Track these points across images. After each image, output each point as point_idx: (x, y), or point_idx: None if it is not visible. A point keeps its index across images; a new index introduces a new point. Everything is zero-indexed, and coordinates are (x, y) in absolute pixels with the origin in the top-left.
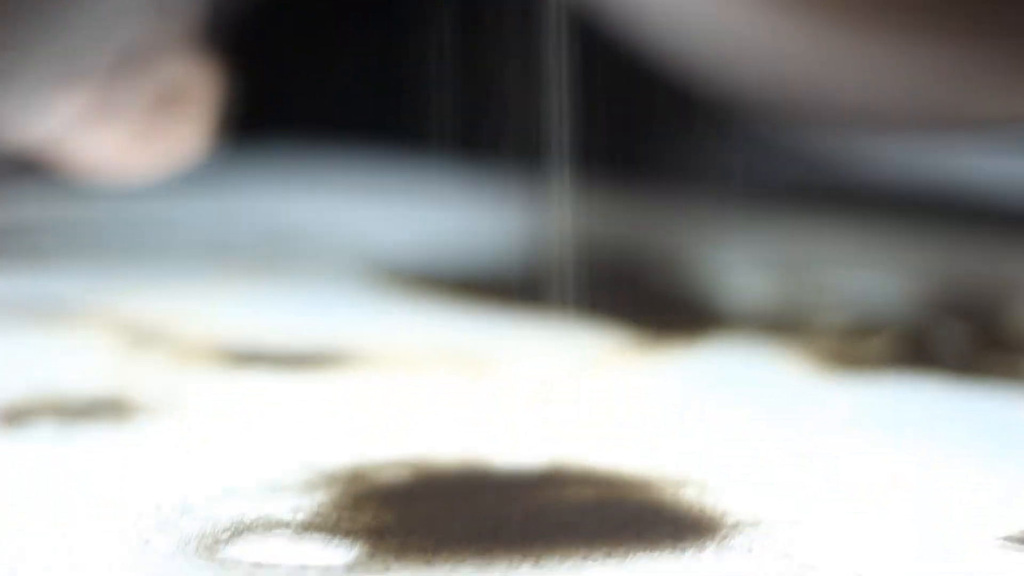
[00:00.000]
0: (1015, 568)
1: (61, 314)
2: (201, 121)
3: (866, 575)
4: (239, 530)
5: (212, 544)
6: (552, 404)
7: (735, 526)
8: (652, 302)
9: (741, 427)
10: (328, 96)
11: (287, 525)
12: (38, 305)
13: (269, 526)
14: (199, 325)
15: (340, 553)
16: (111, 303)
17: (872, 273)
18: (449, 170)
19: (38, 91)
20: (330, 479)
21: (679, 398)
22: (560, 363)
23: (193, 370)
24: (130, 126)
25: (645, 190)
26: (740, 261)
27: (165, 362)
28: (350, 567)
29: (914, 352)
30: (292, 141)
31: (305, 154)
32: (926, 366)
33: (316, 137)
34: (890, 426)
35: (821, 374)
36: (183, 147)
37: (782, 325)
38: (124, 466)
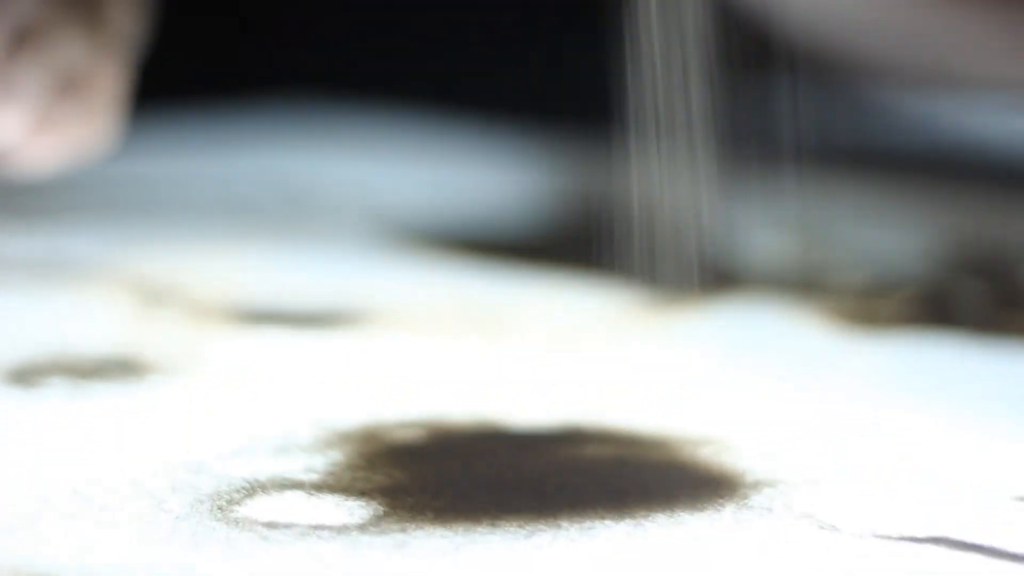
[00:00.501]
0: None
1: (75, 274)
2: (107, 106)
3: (885, 534)
4: (253, 490)
5: (226, 504)
6: (569, 363)
7: (754, 485)
8: (672, 262)
9: (760, 386)
10: (350, 56)
11: (301, 485)
12: (52, 265)
13: (283, 486)
14: (213, 284)
15: (354, 513)
16: (125, 262)
17: (892, 232)
18: (467, 130)
19: None
20: (344, 438)
21: (698, 357)
22: (578, 323)
23: (207, 329)
24: (30, 110)
25: (663, 148)
26: (760, 221)
27: (179, 321)
28: (364, 526)
29: (933, 311)
30: (310, 101)
31: (323, 114)
32: (945, 325)
33: (334, 97)
34: (909, 385)
35: (840, 333)
36: (89, 134)
37: (802, 284)
38: (137, 425)
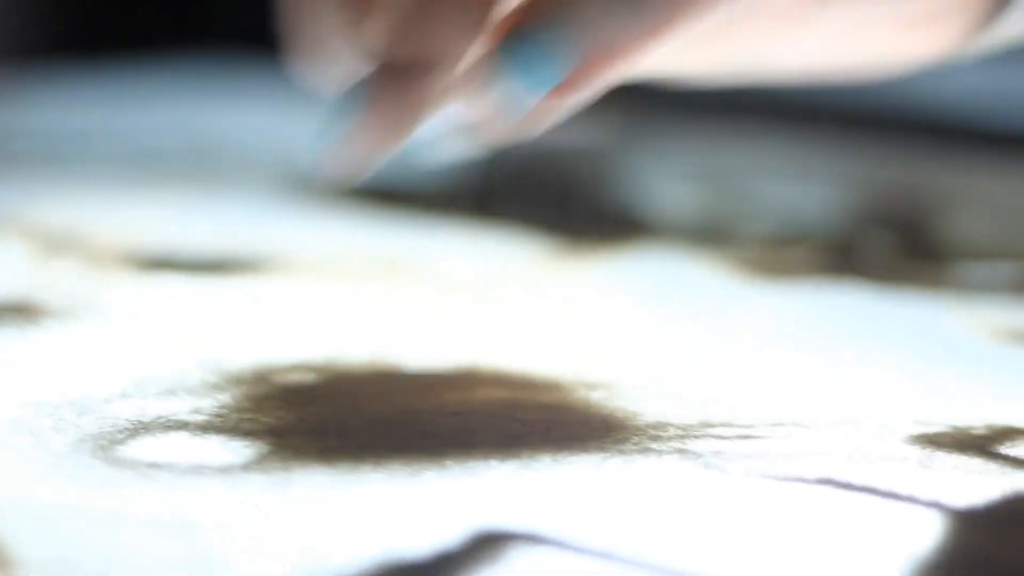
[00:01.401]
0: (920, 468)
1: None
2: None
3: (771, 476)
4: (137, 430)
5: (108, 443)
6: (471, 310)
7: (644, 428)
8: (577, 210)
9: (660, 332)
10: (260, 8)
11: (186, 426)
12: None
13: (168, 427)
14: (115, 232)
15: (238, 452)
16: (27, 212)
17: (800, 183)
18: None
19: None
20: (234, 380)
21: (600, 304)
22: (483, 271)
23: (105, 276)
24: None
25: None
26: (666, 171)
27: (78, 268)
28: (247, 466)
29: (839, 260)
30: (220, 54)
31: (232, 66)
32: (850, 274)
33: (244, 50)
34: (810, 331)
35: (746, 282)
36: None
37: (707, 234)
38: (28, 367)
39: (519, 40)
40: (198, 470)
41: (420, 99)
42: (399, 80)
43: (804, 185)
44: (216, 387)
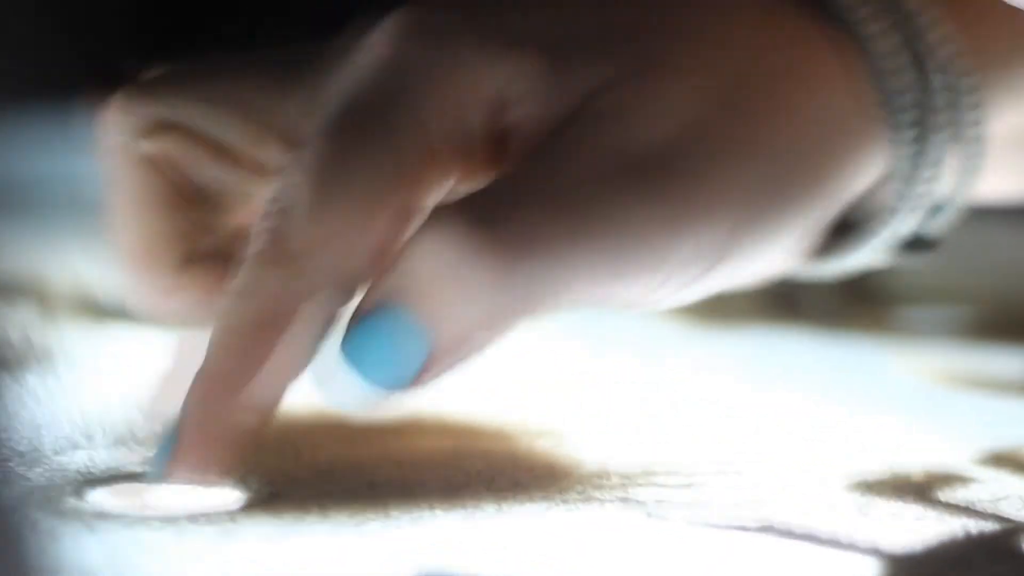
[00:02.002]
0: (859, 515)
1: None
2: None
3: (713, 525)
4: (85, 481)
5: (55, 495)
6: None
7: (587, 477)
8: None
9: (604, 377)
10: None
11: (134, 477)
12: None
13: (116, 477)
14: (63, 280)
15: (184, 503)
16: None
17: None
18: None
19: None
20: None
21: (543, 351)
22: None
23: (57, 324)
24: None
25: None
26: None
27: (27, 316)
28: (193, 516)
29: (781, 305)
30: None
31: None
32: (793, 319)
33: None
34: (754, 376)
35: (687, 327)
36: None
37: None
38: None
39: (356, 339)
40: (144, 521)
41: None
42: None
43: None
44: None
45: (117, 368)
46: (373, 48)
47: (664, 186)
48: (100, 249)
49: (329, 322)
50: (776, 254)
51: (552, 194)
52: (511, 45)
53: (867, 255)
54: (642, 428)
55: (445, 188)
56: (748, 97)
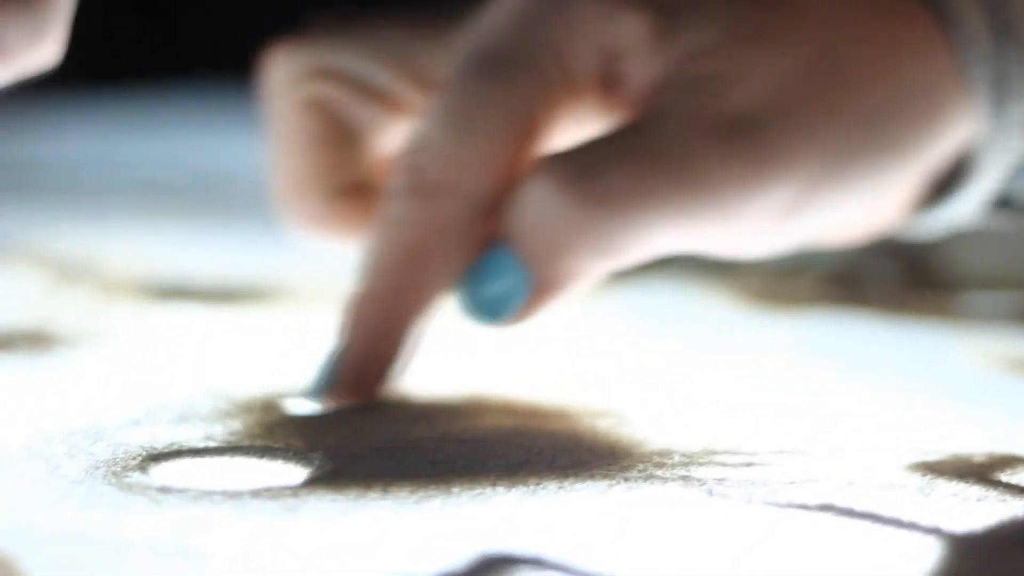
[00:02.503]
0: (920, 496)
1: None
2: (57, 18)
3: (773, 503)
4: (149, 457)
5: (120, 470)
6: (479, 337)
7: (649, 456)
8: None
9: (666, 360)
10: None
11: (198, 452)
12: None
13: (179, 453)
14: (126, 262)
15: (248, 479)
16: (40, 241)
17: None
18: None
19: None
20: (244, 408)
21: (606, 333)
22: None
23: (117, 304)
24: None
25: None
26: None
27: (90, 297)
28: (256, 492)
29: (843, 290)
30: (225, 85)
31: (235, 97)
32: (855, 304)
33: (248, 80)
34: (814, 360)
35: (751, 311)
36: (38, 50)
37: (713, 264)
38: (40, 394)
39: (472, 274)
40: (208, 496)
41: (393, 349)
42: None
43: None
44: (227, 414)
45: (178, 346)
46: (503, 3)
47: (745, 147)
48: (159, 229)
49: (468, 246)
50: (862, 212)
51: (646, 153)
52: (625, 4)
53: (960, 213)
54: (704, 408)
55: (561, 127)
56: (834, 66)
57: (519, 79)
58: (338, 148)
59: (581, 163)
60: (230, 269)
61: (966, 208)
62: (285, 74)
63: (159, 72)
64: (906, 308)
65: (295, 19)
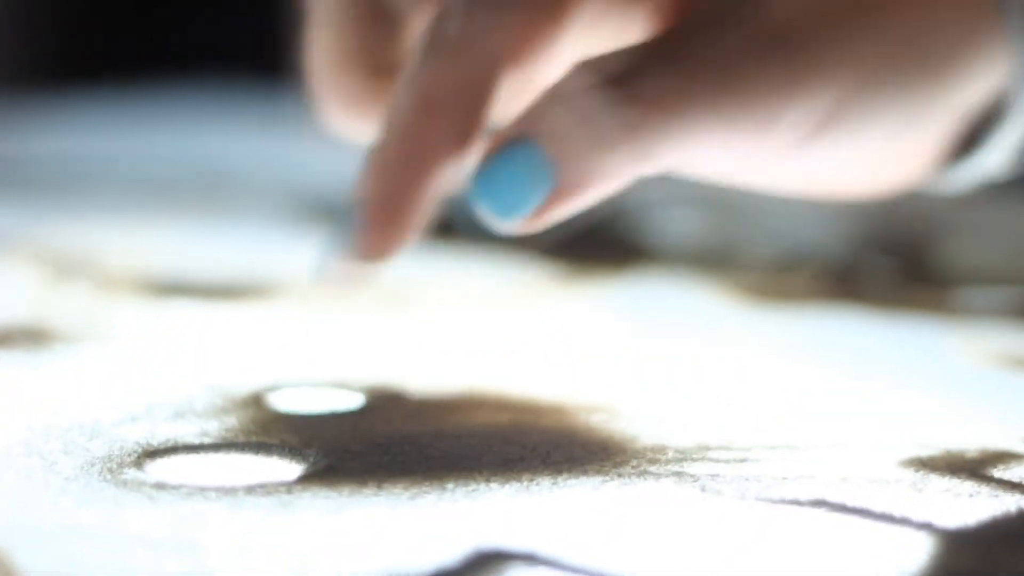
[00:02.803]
0: (913, 491)
1: None
2: None
3: (766, 499)
4: (145, 453)
5: (116, 466)
6: (473, 333)
7: (642, 452)
8: (579, 235)
9: (660, 357)
10: (260, 38)
11: (193, 448)
12: None
13: (175, 449)
14: (124, 258)
15: (242, 475)
16: (39, 236)
17: (799, 208)
18: None
19: None
20: (240, 404)
21: (604, 328)
22: (484, 295)
23: (115, 300)
24: None
25: None
26: (667, 196)
27: (88, 292)
28: (251, 488)
29: (839, 286)
30: (223, 81)
31: (239, 94)
32: (851, 300)
33: (250, 77)
34: (810, 356)
35: (748, 307)
36: None
37: (708, 259)
38: (37, 390)
39: (491, 165)
40: (203, 492)
41: (407, 211)
42: (386, 196)
43: (806, 211)
44: (223, 411)
45: (175, 343)
46: None
47: (783, 55)
48: (157, 225)
49: (485, 111)
50: (892, 151)
51: (685, 59)
52: None
53: (991, 161)
54: (698, 404)
55: (588, 27)
56: None
57: None
58: (377, 28)
59: (620, 63)
60: (228, 266)
61: (996, 158)
62: None
63: (158, 68)
64: (902, 304)
65: (297, 17)
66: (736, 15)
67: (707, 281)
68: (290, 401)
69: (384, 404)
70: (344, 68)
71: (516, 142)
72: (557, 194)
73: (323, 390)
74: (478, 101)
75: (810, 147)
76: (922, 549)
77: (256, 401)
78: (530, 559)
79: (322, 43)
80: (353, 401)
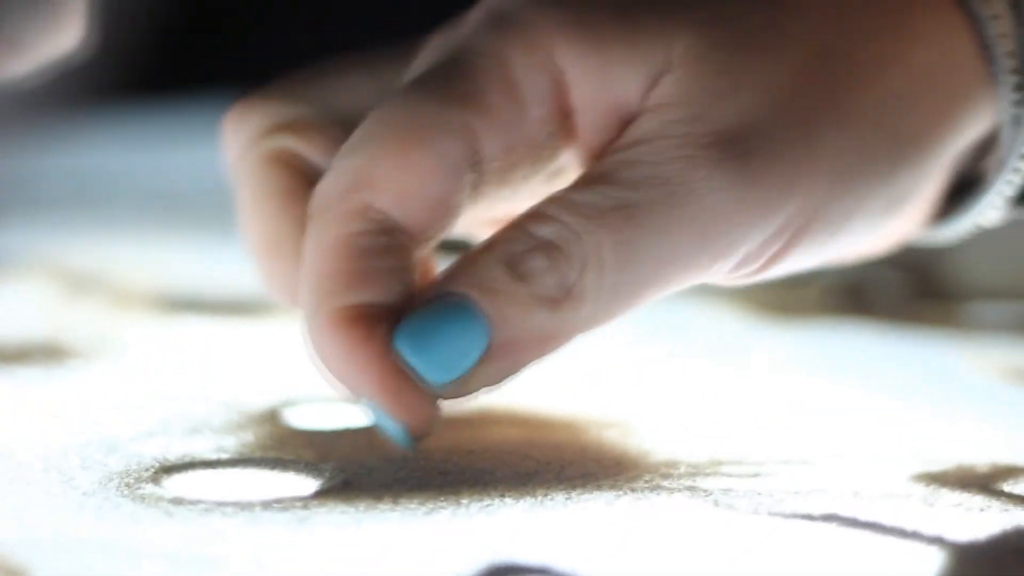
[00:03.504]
0: (923, 505)
1: (3, 263)
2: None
3: (779, 514)
4: (162, 468)
5: (134, 481)
6: None
7: (655, 467)
8: None
9: (672, 371)
10: (277, 51)
11: (210, 464)
12: None
13: (192, 465)
14: (139, 273)
15: (259, 490)
16: (54, 252)
17: None
18: None
19: None
20: (256, 420)
21: (612, 343)
22: None
23: (130, 316)
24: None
25: None
26: None
27: (103, 309)
28: (267, 503)
29: (849, 301)
30: (236, 96)
31: None
32: (860, 314)
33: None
34: (821, 371)
35: (756, 321)
36: (58, 38)
37: None
38: (54, 407)
39: (418, 318)
40: (220, 507)
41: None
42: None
43: None
44: (239, 426)
45: (190, 358)
46: (454, 31)
47: (735, 171)
48: (171, 241)
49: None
50: (883, 222)
51: (626, 212)
52: (571, 24)
53: (983, 211)
54: (710, 419)
55: (510, 163)
56: (836, 67)
57: (453, 94)
58: (303, 204)
59: (552, 226)
60: (243, 281)
61: (989, 213)
62: (244, 134)
63: (172, 83)
64: (912, 319)
65: (308, 32)
66: (680, 123)
67: (718, 295)
68: (306, 417)
69: None
70: (279, 247)
71: (448, 297)
72: (492, 353)
73: (338, 406)
74: (362, 262)
75: (780, 264)
76: (933, 563)
77: (272, 417)
78: (544, 573)
79: (253, 227)
80: (367, 417)
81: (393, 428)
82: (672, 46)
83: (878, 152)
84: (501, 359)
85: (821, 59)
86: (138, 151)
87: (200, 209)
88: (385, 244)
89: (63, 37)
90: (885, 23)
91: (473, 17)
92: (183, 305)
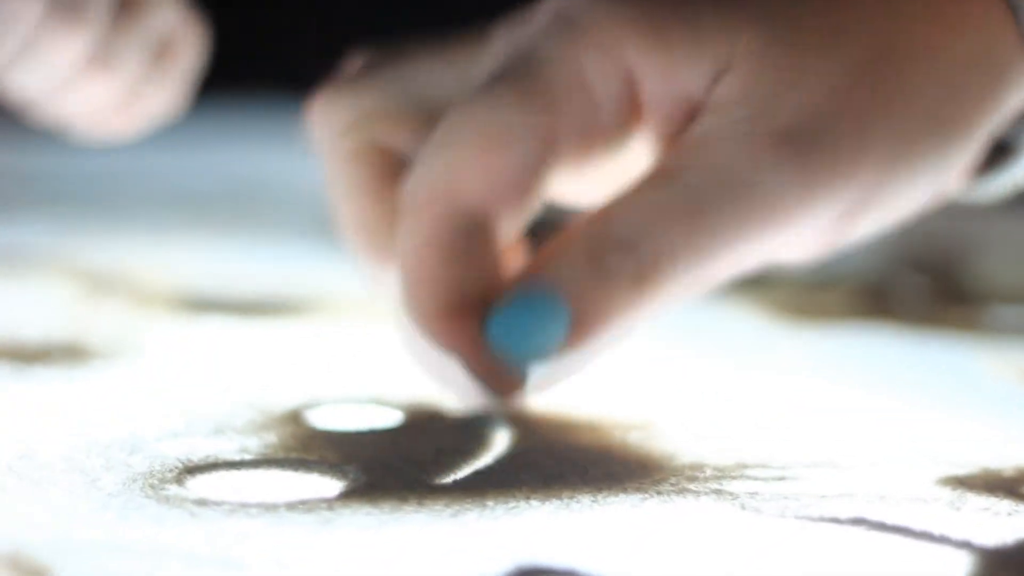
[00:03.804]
0: (950, 510)
1: (25, 263)
2: (187, 75)
3: (806, 517)
4: (185, 469)
5: (157, 482)
6: None
7: (680, 469)
8: None
9: (697, 375)
10: (295, 53)
11: (234, 465)
12: (3, 254)
13: (216, 466)
14: (159, 273)
15: (283, 491)
16: (74, 252)
17: None
18: None
19: (37, 35)
20: (279, 421)
21: (637, 346)
22: None
23: (151, 316)
24: (125, 77)
25: None
26: None
27: (124, 308)
28: (292, 504)
29: (873, 304)
30: (256, 97)
31: (272, 111)
32: (884, 318)
33: (284, 94)
34: (844, 373)
35: (781, 324)
36: (170, 102)
37: (743, 277)
38: (77, 407)
39: (508, 308)
40: (244, 508)
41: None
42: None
43: None
44: (262, 427)
45: (212, 359)
46: (521, 28)
47: (798, 162)
48: (194, 241)
49: (469, 259)
50: (926, 194)
51: (693, 201)
52: (637, 23)
53: (1021, 170)
54: (735, 421)
55: (581, 155)
56: (887, 61)
57: (528, 98)
58: (394, 187)
59: (627, 224)
60: (264, 281)
61: None
62: (330, 127)
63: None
64: (935, 321)
65: (332, 32)
66: (743, 120)
67: (742, 298)
68: (329, 418)
69: (423, 421)
70: (375, 238)
71: (532, 288)
72: (573, 342)
73: (362, 407)
74: (460, 254)
75: (833, 239)
76: (961, 568)
77: (295, 418)
78: (570, 575)
79: (348, 215)
80: (391, 418)
81: (488, 403)
82: (734, 42)
83: (926, 139)
84: (582, 347)
85: (873, 52)
86: (159, 151)
87: (222, 209)
88: (473, 242)
89: (172, 101)
90: (931, 13)
91: (540, 19)
92: (205, 305)
